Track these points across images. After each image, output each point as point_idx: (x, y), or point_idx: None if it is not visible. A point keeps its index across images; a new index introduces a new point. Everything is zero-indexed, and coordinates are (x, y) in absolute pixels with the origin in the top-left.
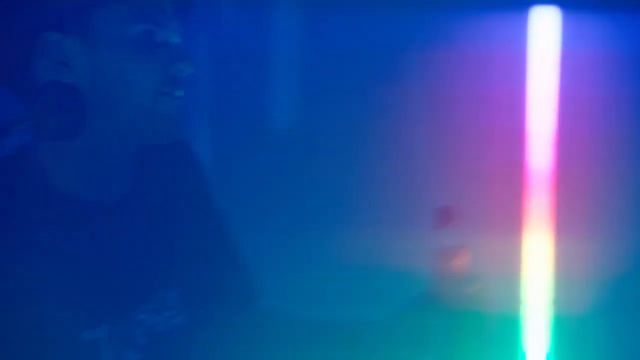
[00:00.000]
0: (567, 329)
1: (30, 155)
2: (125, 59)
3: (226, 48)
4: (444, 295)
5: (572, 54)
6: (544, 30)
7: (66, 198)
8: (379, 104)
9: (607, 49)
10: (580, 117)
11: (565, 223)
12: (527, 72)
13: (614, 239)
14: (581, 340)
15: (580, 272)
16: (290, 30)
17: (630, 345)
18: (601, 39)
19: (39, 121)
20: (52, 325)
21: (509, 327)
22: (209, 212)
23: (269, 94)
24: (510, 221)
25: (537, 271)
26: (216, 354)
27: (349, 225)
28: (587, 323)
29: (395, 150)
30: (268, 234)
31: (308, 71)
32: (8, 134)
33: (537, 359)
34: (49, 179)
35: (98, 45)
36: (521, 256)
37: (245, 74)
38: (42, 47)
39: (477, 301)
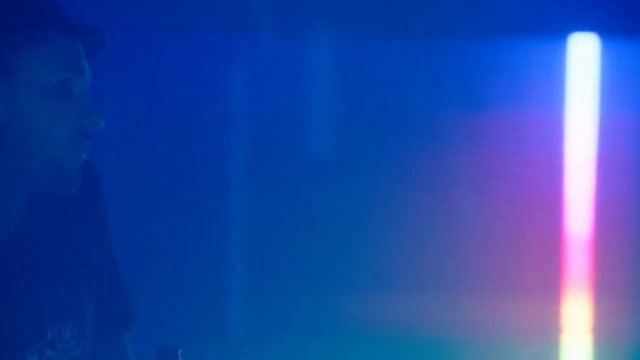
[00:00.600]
0: None
1: None
2: (41, 106)
3: (263, 73)
4: None
5: (611, 82)
6: (583, 58)
7: None
8: (413, 130)
9: None
10: (620, 144)
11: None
12: (565, 98)
13: None
14: None
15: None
16: (327, 56)
17: None
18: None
19: None
20: None
21: None
22: (101, 247)
23: (305, 119)
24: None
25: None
26: None
27: (381, 251)
28: None
29: (430, 176)
30: (300, 254)
31: (344, 97)
32: None
33: None
34: None
35: (16, 91)
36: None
37: (281, 99)
38: None
39: None
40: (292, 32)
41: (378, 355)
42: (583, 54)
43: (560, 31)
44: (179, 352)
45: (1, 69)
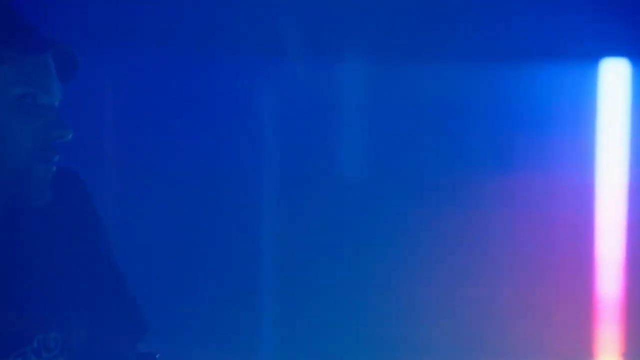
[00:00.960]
0: None
1: None
2: (2, 120)
3: (297, 98)
4: None
5: None
6: (614, 83)
7: None
8: (442, 155)
9: None
10: None
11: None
12: (596, 123)
13: None
14: None
15: None
16: (361, 82)
17: None
18: None
19: None
20: None
21: None
22: (92, 256)
23: (338, 144)
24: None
25: None
26: None
27: (409, 276)
28: None
29: (457, 199)
30: (334, 278)
31: (378, 123)
32: None
33: None
34: None
35: None
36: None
37: (315, 124)
38: None
39: None
40: (322, 57)
41: None
42: (614, 79)
43: (592, 56)
44: (157, 356)
45: None
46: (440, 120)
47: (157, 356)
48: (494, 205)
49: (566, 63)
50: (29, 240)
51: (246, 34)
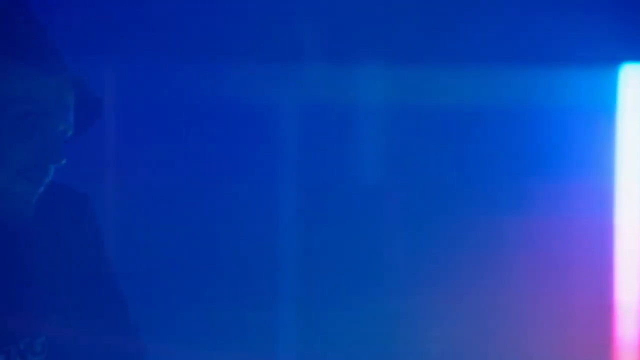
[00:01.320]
0: None
1: None
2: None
3: (310, 102)
4: None
5: None
6: (634, 88)
7: None
8: (460, 165)
9: None
10: None
11: None
12: (616, 131)
13: None
14: None
15: None
16: (376, 86)
17: None
18: None
19: None
20: None
21: None
22: (89, 275)
23: (354, 149)
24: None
25: None
26: None
27: (433, 283)
28: None
29: (473, 201)
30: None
31: (394, 128)
32: None
33: None
34: None
35: None
36: None
37: (330, 129)
38: None
39: None
40: (336, 61)
41: None
42: (634, 85)
43: (611, 61)
44: None
45: None
46: (458, 126)
47: None
48: (511, 211)
49: (587, 68)
50: (26, 249)
51: (262, 38)
